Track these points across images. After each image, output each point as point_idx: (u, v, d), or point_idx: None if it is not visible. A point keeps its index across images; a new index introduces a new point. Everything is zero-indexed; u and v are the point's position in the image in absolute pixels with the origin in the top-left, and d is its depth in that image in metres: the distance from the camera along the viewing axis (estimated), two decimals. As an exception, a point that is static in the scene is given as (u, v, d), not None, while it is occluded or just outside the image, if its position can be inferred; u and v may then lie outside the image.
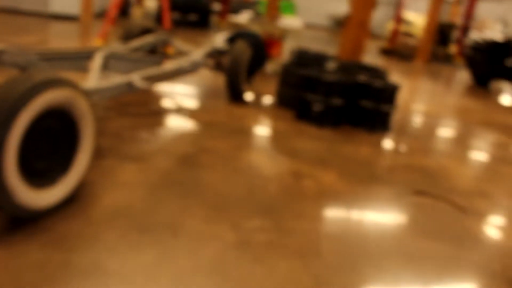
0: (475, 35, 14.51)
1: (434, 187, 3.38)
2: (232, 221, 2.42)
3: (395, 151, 4.08)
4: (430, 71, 10.11)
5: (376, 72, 5.08)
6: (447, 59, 12.86)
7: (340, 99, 4.45)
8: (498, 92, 8.68)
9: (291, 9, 14.14)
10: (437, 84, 8.34)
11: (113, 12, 7.09)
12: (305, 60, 5.11)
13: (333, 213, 2.71)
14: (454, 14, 17.03)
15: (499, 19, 18.17)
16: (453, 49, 13.02)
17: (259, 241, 2.27)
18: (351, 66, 5.19)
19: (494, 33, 16.99)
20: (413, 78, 8.61)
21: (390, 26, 13.72)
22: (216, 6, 13.55)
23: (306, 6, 17.84)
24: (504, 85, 9.82)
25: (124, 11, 11.26)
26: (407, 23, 14.22)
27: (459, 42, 12.63)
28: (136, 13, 10.16)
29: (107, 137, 3.34)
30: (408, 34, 13.99)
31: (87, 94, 2.75)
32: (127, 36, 5.14)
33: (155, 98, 4.58)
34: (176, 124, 3.88)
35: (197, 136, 3.65)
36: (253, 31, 5.13)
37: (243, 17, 7.54)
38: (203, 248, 2.14)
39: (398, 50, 12.99)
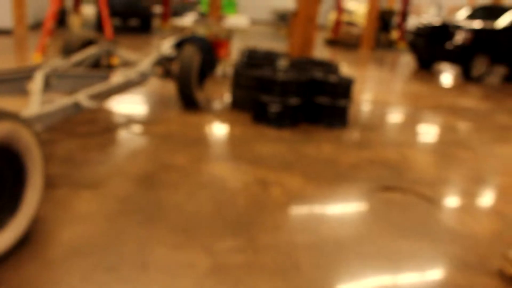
0: (414, 20, 14.95)
1: (399, 180, 3.38)
2: (204, 245, 2.28)
3: (357, 146, 4.06)
4: (375, 58, 10.30)
5: (328, 67, 5.06)
6: (390, 45, 13.16)
7: (296, 98, 4.38)
8: (441, 74, 8.95)
9: (232, 6, 13.99)
10: (385, 71, 8.49)
11: (49, 23, 6.70)
12: (255, 59, 5.01)
13: (306, 221, 2.63)
14: (392, 1, 17.48)
15: (433, 3, 18.81)
16: (394, 34, 13.33)
17: (236, 263, 2.15)
18: (303, 63, 5.14)
19: (431, 17, 17.57)
20: (361, 67, 8.72)
21: (332, 16, 13.87)
22: (157, 9, 13.19)
23: (247, 1, 17.74)
24: (445, 66, 10.15)
25: (61, 20, 10.72)
26: (349, 12, 14.43)
27: (400, 27, 12.95)
28: (75, 23, 9.70)
29: (57, 163, 3.10)
30: (351, 23, 14.20)
31: (30, 123, 2.52)
32: (68, 50, 4.84)
33: (104, 113, 4.34)
34: (130, 140, 3.68)
35: (154, 152, 3.47)
36: (200, 34, 4.97)
37: (187, 20, 7.34)
38: (177, 280, 1.99)
39: (342, 39, 13.16)
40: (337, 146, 4.01)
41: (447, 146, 4.34)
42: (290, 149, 3.82)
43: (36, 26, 10.36)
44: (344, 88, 4.52)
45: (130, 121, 4.18)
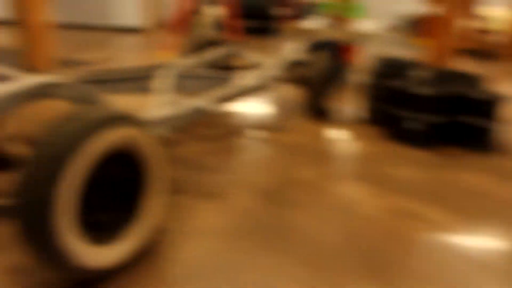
0: None
1: None
2: (333, 285, 1.95)
3: (510, 177, 3.42)
4: (520, 72, 9.10)
5: (474, 81, 4.42)
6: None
7: (440, 115, 3.85)
8: None
9: (360, 10, 13.42)
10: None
11: (180, 22, 6.85)
12: (391, 69, 4.54)
13: (456, 270, 2.16)
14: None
15: None
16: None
17: (374, 317, 1.79)
18: (445, 75, 4.56)
19: None
20: (503, 82, 7.72)
21: (463, 23, 12.66)
22: (279, 11, 13.10)
23: (373, 6, 17.03)
24: None
25: (189, 21, 11.08)
26: (483, 18, 13.09)
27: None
28: (200, 23, 9.96)
29: (178, 166, 2.98)
30: (485, 31, 12.87)
31: (152, 126, 2.39)
32: (193, 50, 4.83)
33: (224, 117, 4.21)
34: (253, 148, 3.48)
35: (279, 164, 3.22)
36: (333, 39, 4.65)
37: (312, 23, 7.06)
38: (304, 327, 1.69)
39: (475, 49, 11.94)
40: (487, 175, 3.42)
41: None
42: (432, 175, 3.32)
43: (166, 25, 10.84)
44: (494, 107, 3.89)
45: (253, 127, 3.99)
